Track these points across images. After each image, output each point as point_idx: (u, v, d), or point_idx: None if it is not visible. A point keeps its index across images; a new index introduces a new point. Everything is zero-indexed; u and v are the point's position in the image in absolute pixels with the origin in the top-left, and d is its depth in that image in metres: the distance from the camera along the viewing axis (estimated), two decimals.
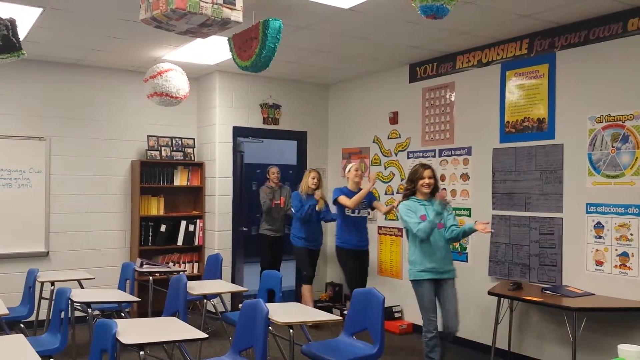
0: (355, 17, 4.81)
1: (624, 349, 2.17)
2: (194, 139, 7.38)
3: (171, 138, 7.20)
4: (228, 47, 4.45)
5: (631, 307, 4.36)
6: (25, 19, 4.87)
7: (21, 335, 3.35)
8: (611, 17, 4.65)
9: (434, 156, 6.23)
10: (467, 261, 5.82)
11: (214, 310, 6.08)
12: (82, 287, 5.72)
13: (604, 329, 4.62)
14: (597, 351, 4.63)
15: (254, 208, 7.83)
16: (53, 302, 4.75)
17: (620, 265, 4.59)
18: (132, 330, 3.51)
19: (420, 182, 4.64)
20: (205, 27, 3.52)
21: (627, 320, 4.50)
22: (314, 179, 6.55)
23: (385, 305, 4.14)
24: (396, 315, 6.54)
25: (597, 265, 4.75)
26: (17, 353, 3.00)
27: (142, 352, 3.28)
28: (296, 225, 6.69)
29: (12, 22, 4.26)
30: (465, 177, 5.90)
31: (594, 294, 4.66)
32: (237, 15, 3.49)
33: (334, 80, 7.63)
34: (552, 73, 5.12)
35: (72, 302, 4.63)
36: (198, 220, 7.22)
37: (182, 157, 7.21)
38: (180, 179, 7.19)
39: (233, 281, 6.95)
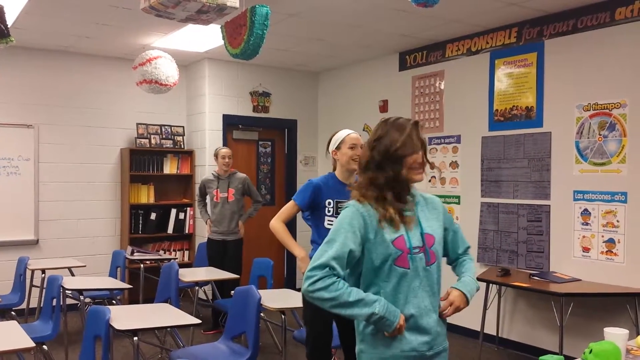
0: (346, 4, 4.82)
1: (610, 331, 2.22)
2: (183, 127, 7.36)
3: (160, 126, 7.18)
4: (220, 35, 4.44)
5: (617, 293, 4.44)
6: (13, 5, 4.83)
7: (14, 322, 3.37)
8: (599, 6, 4.70)
9: None
10: None
11: (205, 298, 6.10)
12: (72, 274, 5.72)
13: (591, 314, 4.71)
14: (583, 335, 4.71)
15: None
16: (44, 289, 4.75)
17: (606, 251, 4.67)
18: (125, 317, 3.53)
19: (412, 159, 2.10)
20: (202, 13, 3.52)
21: (613, 305, 4.58)
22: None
23: None
24: None
25: (583, 251, 4.82)
26: (11, 339, 3.01)
27: (135, 338, 3.30)
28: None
29: (0, 9, 4.22)
30: (454, 165, 5.95)
31: (580, 280, 4.73)
32: (233, 1, 3.50)
33: (323, 68, 7.63)
34: (541, 62, 5.16)
35: (64, 289, 4.63)
36: (188, 208, 7.23)
37: (171, 145, 7.20)
38: (170, 167, 7.18)
39: None
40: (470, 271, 2.30)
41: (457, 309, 2.15)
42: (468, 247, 2.37)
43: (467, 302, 2.18)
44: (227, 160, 5.86)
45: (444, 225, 2.25)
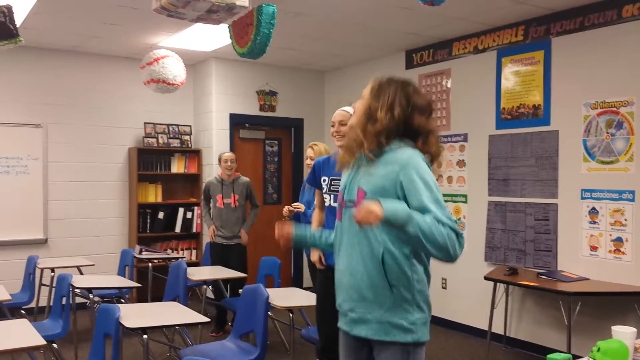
0: (352, 3, 4.82)
1: (618, 330, 2.23)
2: (190, 126, 7.39)
3: (168, 125, 7.21)
4: (228, 34, 4.45)
5: (625, 292, 4.43)
6: (22, 6, 4.86)
7: (25, 320, 3.39)
8: (606, 4, 4.68)
9: None
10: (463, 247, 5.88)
11: (213, 297, 6.12)
12: (81, 273, 5.76)
13: (599, 313, 4.70)
14: (591, 335, 4.71)
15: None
16: (54, 288, 4.78)
17: (614, 250, 4.66)
18: (134, 315, 3.55)
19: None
20: (212, 13, 3.54)
21: (620, 304, 4.57)
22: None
23: None
24: None
25: (591, 250, 4.81)
26: (23, 337, 3.04)
27: (145, 336, 3.32)
28: None
29: (9, 9, 4.24)
30: (461, 163, 5.94)
31: (588, 279, 4.73)
32: (242, 0, 3.51)
33: (330, 67, 7.63)
34: (548, 60, 5.15)
35: (73, 288, 4.66)
36: (196, 208, 7.25)
37: (179, 145, 7.23)
38: (177, 166, 7.21)
39: None
40: (415, 212, 1.92)
41: (366, 217, 1.84)
42: (428, 212, 2.00)
43: (379, 216, 1.85)
44: (229, 164, 5.79)
45: (395, 183, 1.98)
